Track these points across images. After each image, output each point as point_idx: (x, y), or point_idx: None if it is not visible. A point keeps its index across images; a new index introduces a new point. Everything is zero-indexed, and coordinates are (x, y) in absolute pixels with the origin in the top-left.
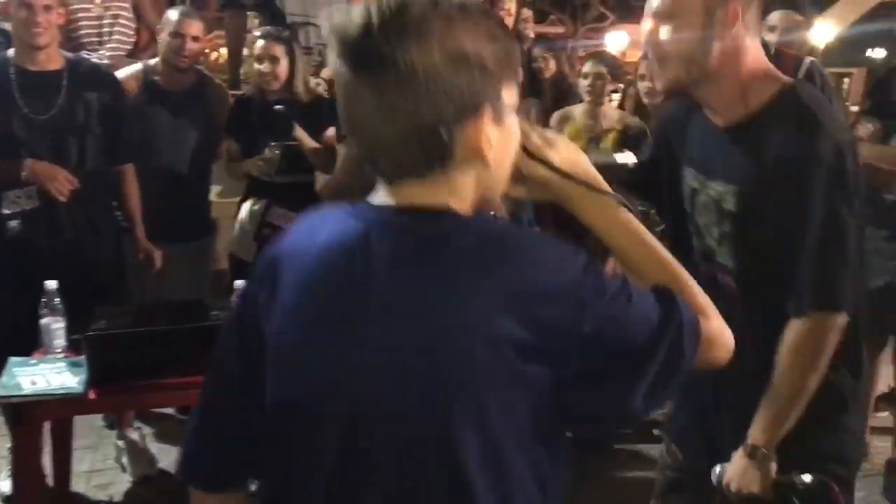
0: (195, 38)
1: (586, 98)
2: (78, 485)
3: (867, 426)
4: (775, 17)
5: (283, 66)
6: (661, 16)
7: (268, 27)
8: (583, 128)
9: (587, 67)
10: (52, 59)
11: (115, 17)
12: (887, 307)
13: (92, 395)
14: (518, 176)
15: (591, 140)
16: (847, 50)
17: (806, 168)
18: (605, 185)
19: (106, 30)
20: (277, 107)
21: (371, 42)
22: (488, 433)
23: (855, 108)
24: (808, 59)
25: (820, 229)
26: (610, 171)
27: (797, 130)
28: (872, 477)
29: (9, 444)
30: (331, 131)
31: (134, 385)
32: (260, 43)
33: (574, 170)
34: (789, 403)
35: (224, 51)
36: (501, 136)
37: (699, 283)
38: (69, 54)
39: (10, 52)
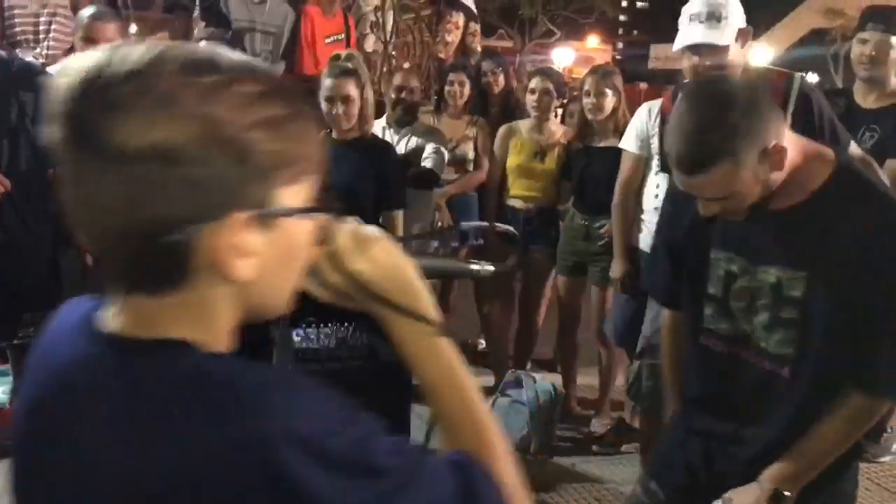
0: (110, 41)
1: (533, 113)
2: None
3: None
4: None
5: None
6: (719, 196)
7: (212, 31)
8: (528, 142)
9: (534, 83)
10: None
11: (53, 14)
12: None
13: None
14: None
15: (536, 154)
16: None
17: (888, 244)
18: (425, 305)
19: (43, 27)
20: None
21: (82, 112)
22: None
23: None
24: (799, 76)
25: None
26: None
27: (866, 208)
28: None
29: None
30: None
31: None
32: (203, 45)
33: (387, 283)
34: (824, 459)
35: None
36: (275, 243)
37: (722, 365)
38: (1, 52)
39: None
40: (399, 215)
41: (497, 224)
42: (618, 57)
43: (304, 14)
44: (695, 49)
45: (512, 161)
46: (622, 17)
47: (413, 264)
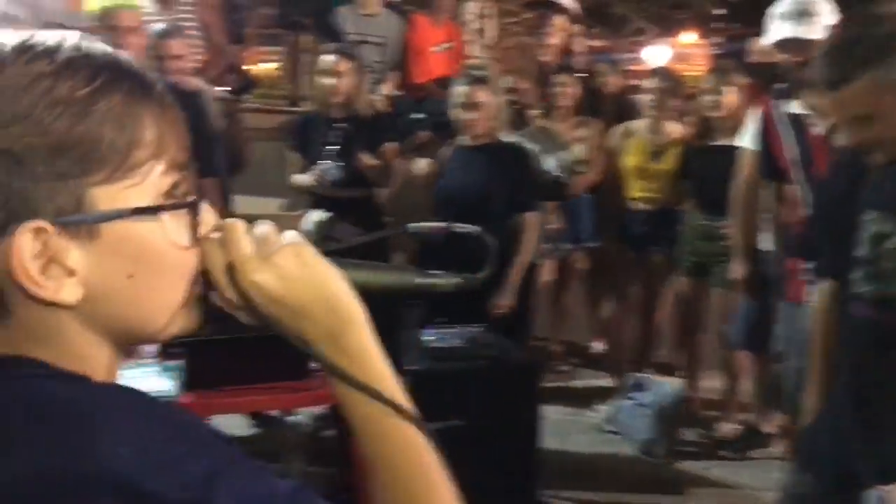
0: (176, 58)
1: (649, 113)
2: None
3: None
4: None
5: (346, 82)
6: (861, 114)
7: (338, 44)
8: (645, 142)
9: (650, 83)
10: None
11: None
12: None
13: (185, 399)
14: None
15: (652, 154)
16: None
17: None
18: (356, 338)
19: None
20: (341, 125)
21: None
22: None
23: None
24: None
25: None
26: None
27: None
28: None
29: None
30: (390, 146)
31: (224, 390)
32: (328, 58)
33: (297, 299)
34: None
35: (271, 65)
36: (110, 253)
37: (871, 334)
38: (156, 75)
39: None
40: (533, 218)
41: (457, 224)
42: (714, 52)
43: (412, 24)
44: (783, 45)
45: (629, 162)
46: (718, 11)
47: (338, 275)
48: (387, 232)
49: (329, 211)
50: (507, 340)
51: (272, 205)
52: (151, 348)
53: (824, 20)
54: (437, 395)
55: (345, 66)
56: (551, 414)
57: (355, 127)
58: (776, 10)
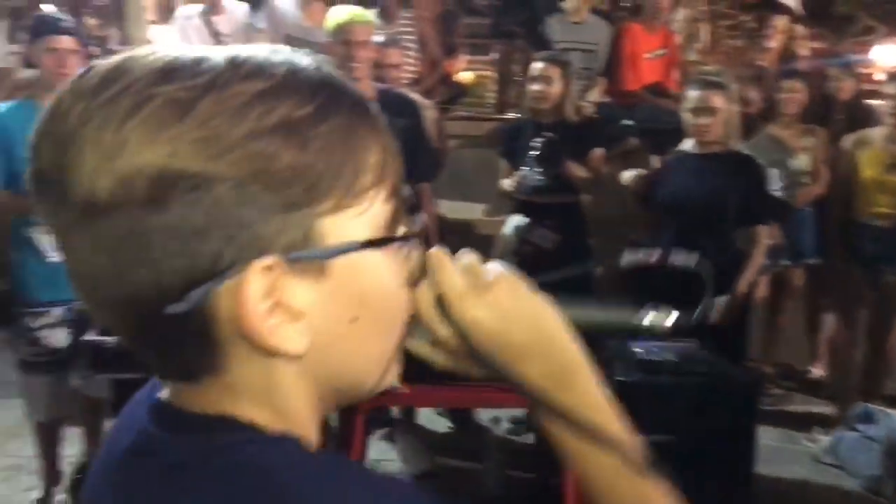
0: (395, 66)
1: (889, 121)
2: None
3: None
4: None
5: (555, 88)
6: None
7: (549, 52)
8: (883, 153)
9: (892, 88)
10: (367, 89)
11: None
12: None
13: (405, 390)
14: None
15: (892, 166)
16: None
17: None
18: (583, 380)
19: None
20: (547, 134)
21: (44, 154)
22: None
23: None
24: None
25: None
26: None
27: None
28: None
29: None
30: (597, 152)
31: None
32: (539, 65)
33: (517, 338)
34: None
35: (481, 74)
36: (336, 294)
37: None
38: (380, 84)
39: None
40: (764, 231)
41: (674, 256)
42: None
43: (626, 30)
44: None
45: (864, 174)
46: None
47: (556, 313)
48: (591, 266)
49: (529, 216)
50: (720, 357)
51: (476, 210)
52: None
53: None
54: (645, 408)
55: (554, 72)
56: (764, 439)
57: (563, 133)
58: None
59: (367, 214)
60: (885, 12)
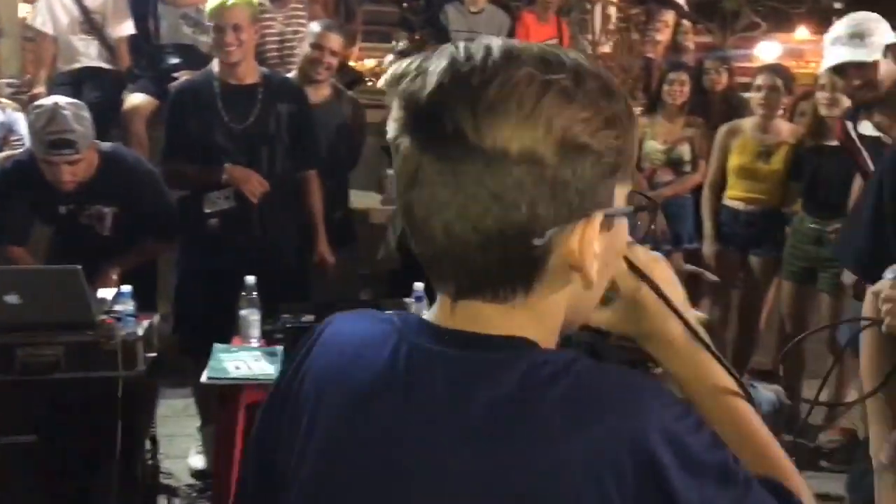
0: (333, 53)
1: (759, 111)
2: None
3: None
4: None
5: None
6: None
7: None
8: (753, 141)
9: (761, 80)
10: (249, 73)
11: (296, 33)
12: None
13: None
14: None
15: (760, 154)
16: None
17: None
18: (705, 333)
19: (288, 44)
20: None
21: (450, 114)
22: None
23: None
24: None
25: None
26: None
27: None
28: None
29: (197, 424)
30: None
31: None
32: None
33: (676, 297)
34: None
35: (377, 61)
36: (608, 246)
37: None
38: (264, 69)
39: (215, 65)
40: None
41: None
42: None
43: (519, 20)
44: (840, 70)
45: (734, 161)
46: (836, 6)
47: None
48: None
49: None
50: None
51: (374, 198)
52: (257, 333)
53: (880, 40)
54: None
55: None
56: None
57: None
58: (830, 34)
59: (625, 188)
60: (768, 9)
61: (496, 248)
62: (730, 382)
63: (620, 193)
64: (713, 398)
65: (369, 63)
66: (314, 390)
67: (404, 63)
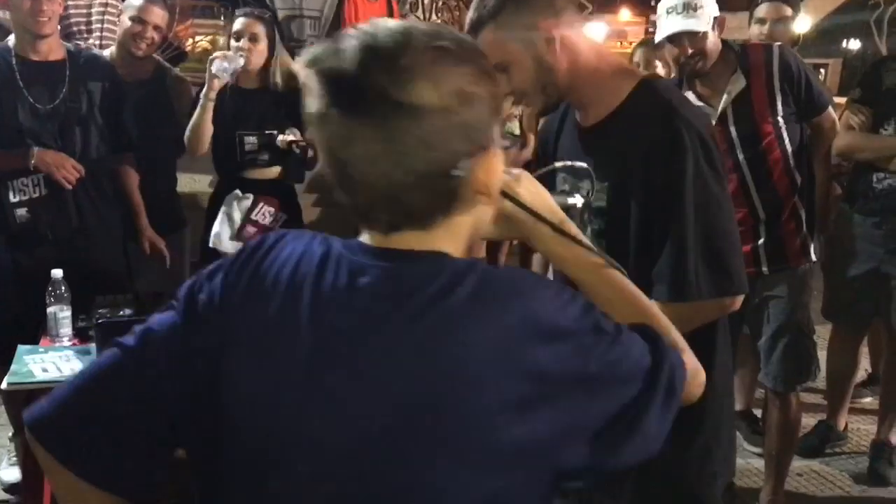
0: (156, 27)
1: None
2: None
3: None
4: (763, 8)
5: (262, 47)
6: (500, 70)
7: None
8: None
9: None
10: (54, 49)
11: (105, 5)
12: (871, 291)
13: None
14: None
15: None
16: (823, 41)
17: (673, 156)
18: (570, 225)
19: (95, 18)
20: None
21: (373, 81)
22: (475, 491)
23: (838, 99)
24: (777, 45)
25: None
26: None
27: (658, 122)
28: (851, 457)
29: (10, 434)
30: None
31: None
32: (241, 20)
33: (540, 208)
34: None
35: (202, 41)
36: (491, 171)
37: None
38: (69, 45)
39: (11, 41)
40: None
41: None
42: (651, 30)
43: None
44: (673, 39)
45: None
46: None
47: (549, 196)
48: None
49: (247, 191)
50: None
51: (202, 181)
52: (68, 331)
53: (709, 11)
54: None
55: (259, 28)
56: None
57: (265, 100)
58: (662, 5)
59: (499, 126)
60: None
61: (426, 184)
62: (600, 259)
63: (497, 133)
64: (594, 274)
65: (203, 43)
66: (251, 297)
67: (316, 48)
